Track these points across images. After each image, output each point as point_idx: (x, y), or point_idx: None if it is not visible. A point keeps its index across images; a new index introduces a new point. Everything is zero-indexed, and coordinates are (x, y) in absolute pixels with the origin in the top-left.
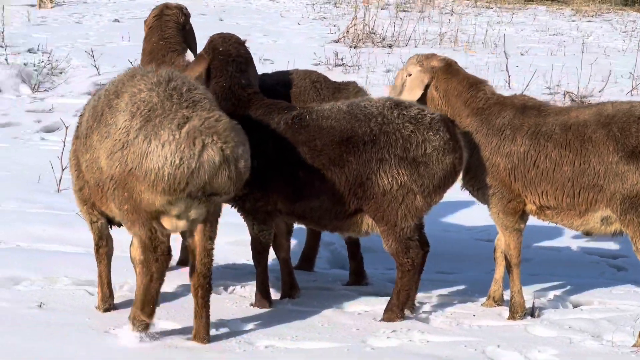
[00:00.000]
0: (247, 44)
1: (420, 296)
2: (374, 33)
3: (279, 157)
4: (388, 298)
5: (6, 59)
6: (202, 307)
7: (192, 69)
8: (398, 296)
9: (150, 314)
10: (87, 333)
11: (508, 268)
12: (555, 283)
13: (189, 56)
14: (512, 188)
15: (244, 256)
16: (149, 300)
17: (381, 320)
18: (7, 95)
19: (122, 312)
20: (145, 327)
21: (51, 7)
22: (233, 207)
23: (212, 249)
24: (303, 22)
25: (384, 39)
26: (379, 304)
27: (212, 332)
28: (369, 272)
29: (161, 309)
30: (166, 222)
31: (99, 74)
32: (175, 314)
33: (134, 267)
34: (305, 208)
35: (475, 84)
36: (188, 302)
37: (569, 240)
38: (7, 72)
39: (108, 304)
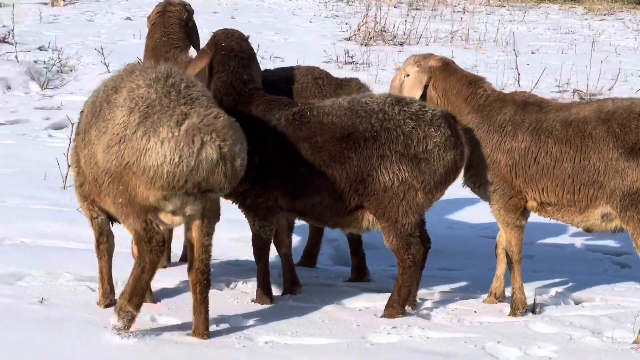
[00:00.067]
0: (256, 42)
1: (421, 292)
2: (385, 31)
3: (279, 154)
4: (389, 294)
5: (16, 57)
6: (201, 303)
7: (194, 64)
8: (399, 292)
9: (137, 306)
10: (88, 328)
11: (509, 265)
12: (558, 280)
13: (192, 52)
14: (513, 184)
15: (247, 252)
16: (138, 291)
17: (382, 316)
18: (17, 92)
19: None
20: (131, 318)
21: (63, 5)
22: (234, 203)
23: (210, 244)
24: (315, 20)
25: (395, 37)
26: (380, 300)
27: (213, 327)
28: (372, 269)
29: (162, 305)
30: (162, 216)
31: (109, 72)
32: (177, 309)
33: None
34: (306, 204)
35: (474, 82)
36: (189, 298)
37: (572, 237)
38: (17, 69)
39: (109, 299)
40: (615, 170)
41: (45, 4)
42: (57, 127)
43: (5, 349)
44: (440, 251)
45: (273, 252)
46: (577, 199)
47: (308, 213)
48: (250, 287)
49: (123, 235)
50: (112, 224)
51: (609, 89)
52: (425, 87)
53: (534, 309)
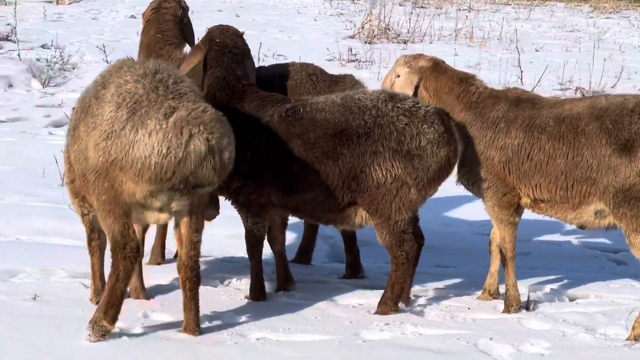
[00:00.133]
0: (260, 40)
1: (416, 289)
2: (389, 29)
3: (272, 150)
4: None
5: (18, 55)
6: (191, 300)
7: (188, 60)
8: (392, 289)
9: (113, 319)
10: (79, 325)
11: (503, 261)
12: (553, 277)
13: (187, 49)
14: (507, 181)
15: (242, 249)
16: (114, 302)
17: (375, 313)
18: (18, 90)
19: None
20: (104, 333)
21: (68, 4)
22: (227, 200)
23: (199, 241)
24: (319, 18)
25: (398, 35)
26: (374, 297)
27: (205, 324)
28: (367, 266)
29: (155, 301)
30: (148, 215)
31: None
32: (169, 306)
33: None
34: (298, 201)
35: (466, 79)
36: None
37: (569, 234)
38: (19, 67)
39: (101, 296)
40: (608, 167)
41: (50, 2)
42: (58, 124)
43: None
44: (437, 248)
45: (268, 249)
46: (570, 195)
47: (301, 209)
48: (244, 284)
49: None
50: None
51: (612, 87)
52: (416, 87)
53: (527, 305)
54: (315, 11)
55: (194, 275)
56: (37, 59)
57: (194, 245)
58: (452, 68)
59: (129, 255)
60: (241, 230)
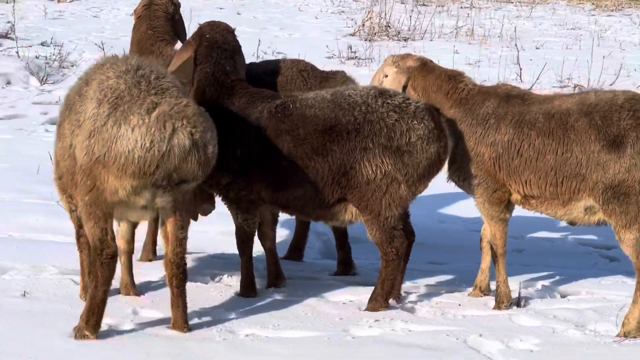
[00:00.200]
0: (260, 37)
1: (407, 286)
2: (390, 26)
3: (262, 146)
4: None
5: (17, 52)
6: (178, 296)
7: (179, 55)
8: (382, 286)
9: (95, 328)
10: (69, 321)
11: (494, 258)
12: (546, 273)
13: (178, 46)
14: (497, 177)
15: (234, 246)
16: (94, 310)
17: (365, 309)
18: (16, 87)
19: None
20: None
21: (70, 1)
22: (217, 196)
23: (185, 237)
24: (321, 15)
25: (399, 33)
26: (365, 293)
27: (195, 320)
28: (359, 262)
29: (145, 298)
30: (130, 213)
31: None
32: (159, 302)
33: (119, 257)
34: (288, 197)
35: (454, 76)
36: None
37: (562, 231)
38: (17, 64)
39: None
40: (597, 163)
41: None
42: (54, 122)
43: None
44: (430, 245)
45: (259, 246)
46: (559, 191)
47: (291, 206)
48: (234, 280)
49: None
50: None
51: (611, 84)
52: (404, 87)
53: (518, 302)
54: (316, 9)
55: (180, 272)
56: (36, 57)
57: (180, 242)
58: (440, 66)
59: (105, 261)
60: (233, 227)
